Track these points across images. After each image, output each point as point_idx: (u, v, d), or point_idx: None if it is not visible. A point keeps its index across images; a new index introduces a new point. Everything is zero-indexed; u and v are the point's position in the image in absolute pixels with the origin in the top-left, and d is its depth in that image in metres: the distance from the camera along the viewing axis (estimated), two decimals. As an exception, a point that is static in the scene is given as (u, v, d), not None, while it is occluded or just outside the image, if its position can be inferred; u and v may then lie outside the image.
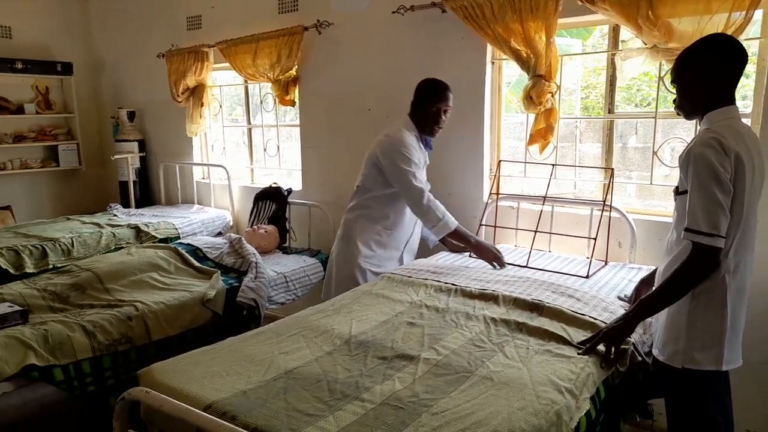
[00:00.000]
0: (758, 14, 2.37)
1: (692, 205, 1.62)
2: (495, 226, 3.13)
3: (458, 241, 2.86)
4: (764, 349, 2.46)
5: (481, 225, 3.12)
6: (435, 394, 1.49)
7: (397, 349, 1.77)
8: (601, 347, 1.77)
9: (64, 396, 2.29)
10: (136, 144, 5.10)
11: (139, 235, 3.90)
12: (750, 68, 2.38)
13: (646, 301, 1.78)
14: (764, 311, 2.42)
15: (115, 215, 4.28)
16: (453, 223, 2.73)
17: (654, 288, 1.81)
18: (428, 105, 2.77)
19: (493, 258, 2.71)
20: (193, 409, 1.33)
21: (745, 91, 2.81)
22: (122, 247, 3.61)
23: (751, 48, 2.44)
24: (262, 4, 4.07)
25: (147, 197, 5.19)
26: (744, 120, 2.03)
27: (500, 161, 3.19)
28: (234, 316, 2.83)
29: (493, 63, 3.18)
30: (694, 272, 1.65)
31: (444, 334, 1.88)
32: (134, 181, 4.99)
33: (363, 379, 1.58)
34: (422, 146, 2.85)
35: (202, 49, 4.36)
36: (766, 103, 2.38)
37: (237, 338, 1.91)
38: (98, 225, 3.95)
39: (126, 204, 4.88)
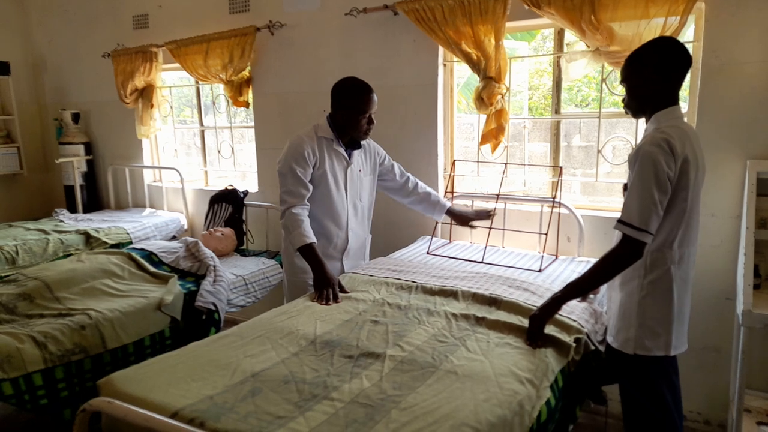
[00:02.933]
0: (691, 19, 2.53)
1: (630, 198, 1.72)
2: (451, 224, 3.20)
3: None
4: (706, 336, 2.64)
5: (437, 223, 3.19)
6: (402, 390, 1.52)
7: (363, 347, 1.79)
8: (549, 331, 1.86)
9: (13, 411, 2.20)
10: (82, 147, 4.91)
11: (89, 240, 3.78)
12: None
13: (573, 284, 1.87)
14: (705, 301, 2.58)
15: (61, 221, 4.13)
16: (300, 243, 2.43)
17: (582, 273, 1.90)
18: (349, 113, 2.51)
19: (324, 292, 2.29)
20: (159, 417, 1.29)
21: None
22: (71, 254, 3.49)
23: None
24: (211, 4, 4.00)
25: (95, 202, 5.01)
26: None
27: (455, 161, 3.26)
28: (193, 321, 2.79)
29: (445, 65, 3.25)
30: (618, 261, 1.75)
31: (407, 330, 1.92)
32: (81, 186, 4.81)
33: (331, 378, 1.59)
34: (341, 150, 2.63)
35: (151, 49, 4.25)
36: (701, 101, 2.54)
37: (200, 343, 1.88)
38: (44, 231, 3.80)
39: (73, 209, 4.71)
